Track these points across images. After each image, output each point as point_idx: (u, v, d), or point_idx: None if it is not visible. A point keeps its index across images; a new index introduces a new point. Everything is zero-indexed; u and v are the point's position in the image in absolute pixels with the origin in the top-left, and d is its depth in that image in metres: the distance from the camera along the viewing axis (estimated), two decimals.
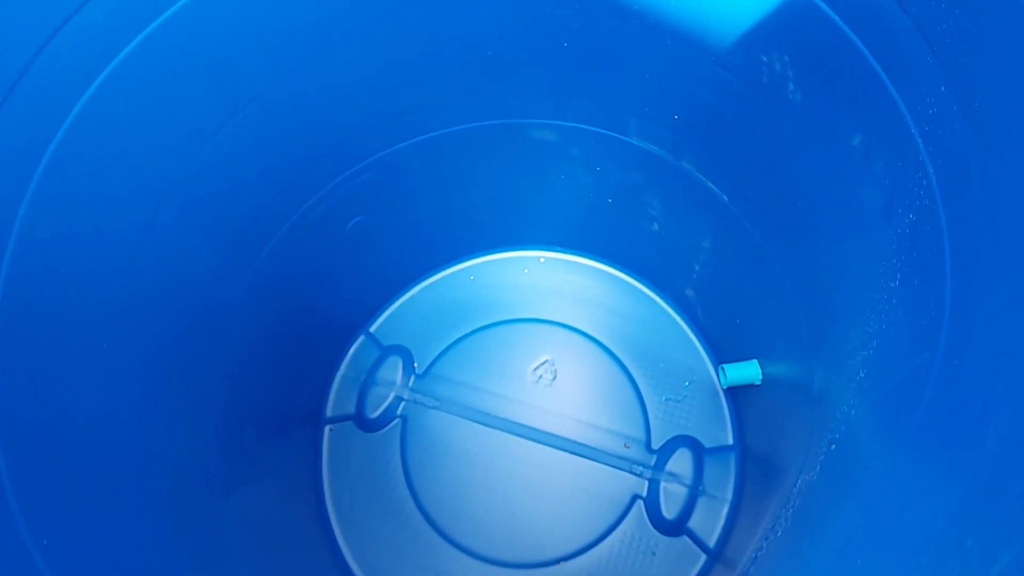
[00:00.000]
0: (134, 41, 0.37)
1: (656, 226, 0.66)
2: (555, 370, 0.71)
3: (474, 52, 0.51)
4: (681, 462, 0.65)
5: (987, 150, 0.26)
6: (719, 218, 0.56)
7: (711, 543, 0.62)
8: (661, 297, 0.73)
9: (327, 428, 0.71)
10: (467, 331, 0.74)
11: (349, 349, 0.73)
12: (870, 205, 0.36)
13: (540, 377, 0.71)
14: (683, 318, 0.72)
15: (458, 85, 0.54)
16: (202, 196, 0.46)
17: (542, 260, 0.77)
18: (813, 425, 0.45)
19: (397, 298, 0.76)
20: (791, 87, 0.40)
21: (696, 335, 0.71)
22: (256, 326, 0.58)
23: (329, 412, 0.71)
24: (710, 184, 0.55)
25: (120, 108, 0.37)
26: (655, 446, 0.67)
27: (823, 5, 0.35)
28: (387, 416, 0.70)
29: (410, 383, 0.71)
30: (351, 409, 0.71)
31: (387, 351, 0.73)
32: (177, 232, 0.45)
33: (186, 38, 0.39)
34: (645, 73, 0.49)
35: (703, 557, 0.62)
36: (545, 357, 0.72)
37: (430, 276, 0.77)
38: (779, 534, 0.41)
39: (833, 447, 0.38)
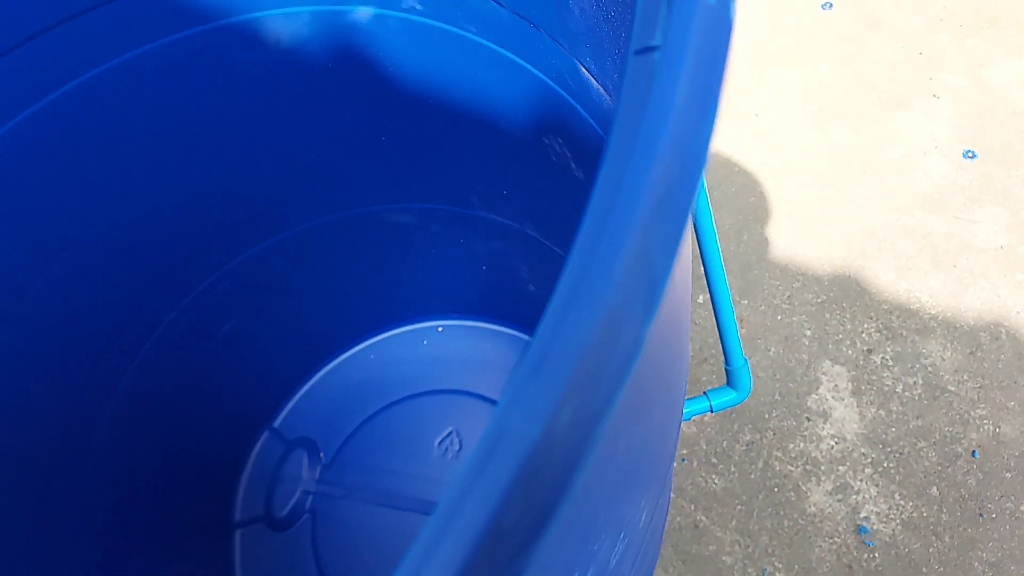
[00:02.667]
0: None
1: (532, 287, 0.67)
2: (460, 440, 0.71)
3: (302, 155, 0.52)
4: None
5: None
6: None
7: None
8: None
9: (237, 533, 0.70)
10: (371, 412, 0.74)
11: (253, 449, 0.73)
12: None
13: (446, 450, 0.71)
14: None
15: (294, 187, 0.55)
16: (31, 341, 0.45)
17: (440, 329, 0.78)
18: None
19: (299, 388, 0.76)
20: (573, 165, 0.41)
21: None
22: (133, 452, 0.57)
23: (237, 516, 0.70)
24: (556, 249, 0.56)
25: None
26: None
27: (572, 101, 0.36)
28: (296, 512, 0.69)
29: (316, 475, 0.71)
30: (260, 510, 0.70)
31: (292, 445, 0.72)
32: (8, 383, 0.44)
33: None
34: (464, 156, 0.50)
35: None
36: (449, 428, 0.72)
37: (331, 361, 0.77)
38: None
39: None
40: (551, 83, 0.36)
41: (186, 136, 0.47)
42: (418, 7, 0.38)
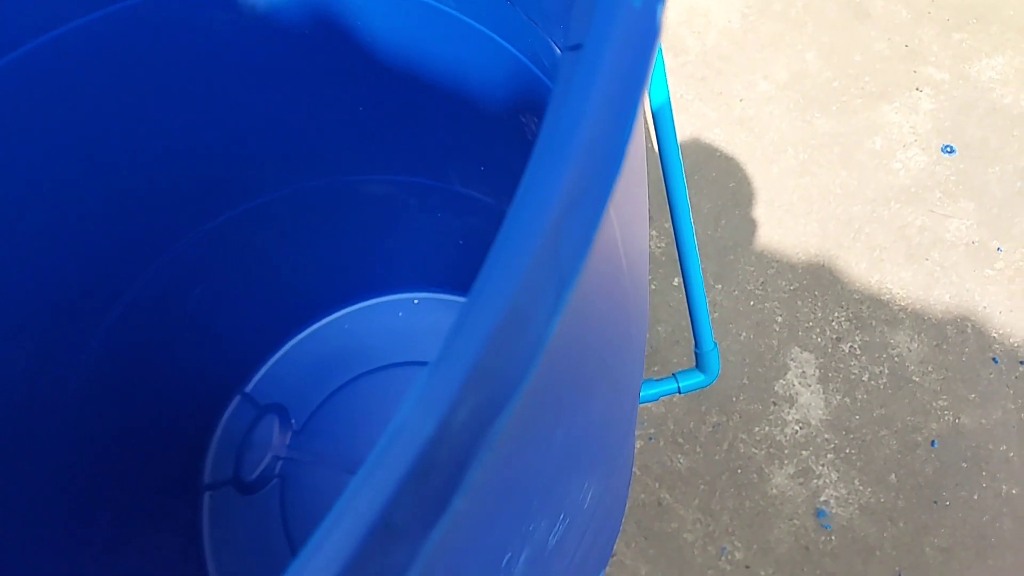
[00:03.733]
0: None
1: None
2: None
3: (277, 121, 0.52)
4: None
5: None
6: None
7: None
8: None
9: (206, 495, 0.70)
10: (344, 381, 0.74)
11: (225, 413, 0.73)
12: None
13: None
14: None
15: (269, 153, 0.54)
16: None
17: (416, 302, 0.78)
18: None
19: (273, 355, 0.76)
20: None
21: None
22: (102, 412, 0.57)
23: (206, 479, 0.71)
24: None
25: None
26: None
27: (547, 81, 0.36)
28: (265, 477, 0.70)
29: (287, 441, 0.71)
30: (229, 473, 0.71)
31: (264, 410, 0.73)
32: None
33: None
34: (441, 130, 0.50)
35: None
36: None
37: (305, 329, 0.77)
38: None
39: None
40: (527, 62, 0.36)
41: (159, 98, 0.46)
42: None
